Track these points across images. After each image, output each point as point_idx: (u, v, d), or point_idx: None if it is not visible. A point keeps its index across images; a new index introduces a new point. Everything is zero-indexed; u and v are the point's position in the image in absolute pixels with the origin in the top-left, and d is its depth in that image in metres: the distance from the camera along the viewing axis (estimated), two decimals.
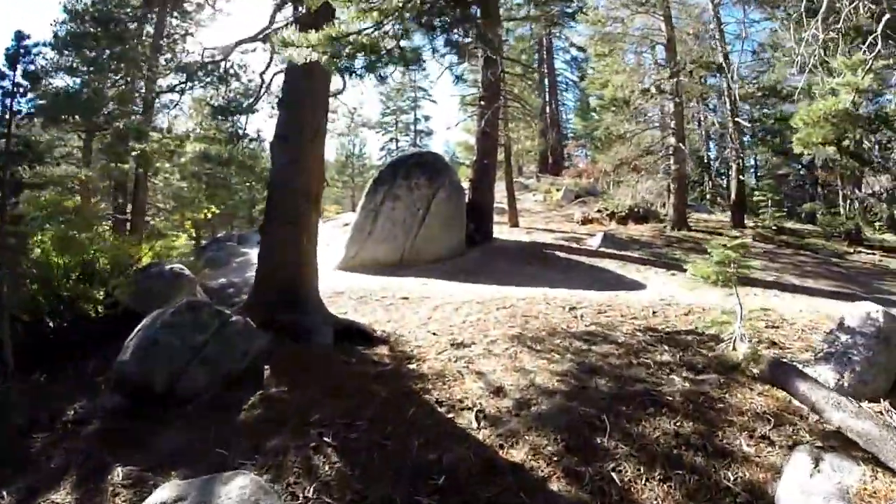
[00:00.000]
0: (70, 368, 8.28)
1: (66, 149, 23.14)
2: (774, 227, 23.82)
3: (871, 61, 9.56)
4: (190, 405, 6.53)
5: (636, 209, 23.97)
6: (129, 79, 21.73)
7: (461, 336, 8.59)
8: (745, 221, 24.38)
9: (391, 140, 53.01)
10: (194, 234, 29.39)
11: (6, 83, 8.96)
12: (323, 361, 7.60)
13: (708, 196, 32.88)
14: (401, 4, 6.38)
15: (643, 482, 4.77)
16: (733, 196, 24.56)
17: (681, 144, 22.87)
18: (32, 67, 9.54)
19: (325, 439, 5.53)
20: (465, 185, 19.95)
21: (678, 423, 5.67)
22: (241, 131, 16.32)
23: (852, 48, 10.09)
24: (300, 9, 9.40)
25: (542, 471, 4.99)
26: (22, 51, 8.88)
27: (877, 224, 25.16)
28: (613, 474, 4.86)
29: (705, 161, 33.88)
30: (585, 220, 23.77)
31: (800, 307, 11.34)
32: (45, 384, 7.85)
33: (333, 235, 21.50)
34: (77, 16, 20.87)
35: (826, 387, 6.18)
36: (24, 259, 9.06)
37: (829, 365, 6.70)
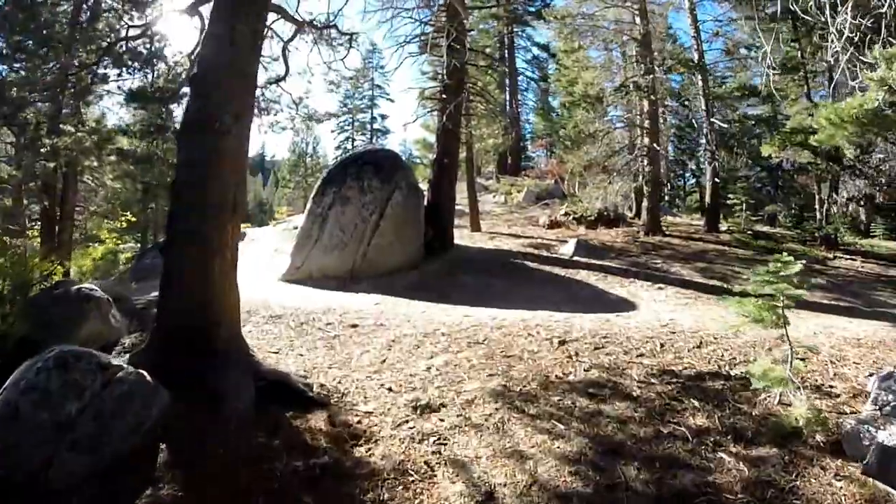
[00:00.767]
0: None
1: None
2: (750, 232, 22.27)
3: None
4: (73, 498, 4.40)
5: (606, 212, 22.13)
6: (56, 64, 18.88)
7: (426, 393, 6.44)
8: (719, 225, 23.01)
9: (347, 139, 51.19)
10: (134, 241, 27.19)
11: None
12: (233, 443, 5.20)
13: (668, 198, 31.46)
14: None
15: None
16: (707, 199, 23.11)
17: (655, 145, 21.23)
18: None
19: None
20: (424, 186, 18.12)
21: None
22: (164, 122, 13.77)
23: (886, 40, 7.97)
24: None
25: None
26: None
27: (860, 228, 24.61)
28: None
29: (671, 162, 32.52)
30: (552, 224, 21.77)
31: (811, 328, 10.00)
32: None
33: (283, 240, 19.75)
34: None
35: None
36: None
37: None
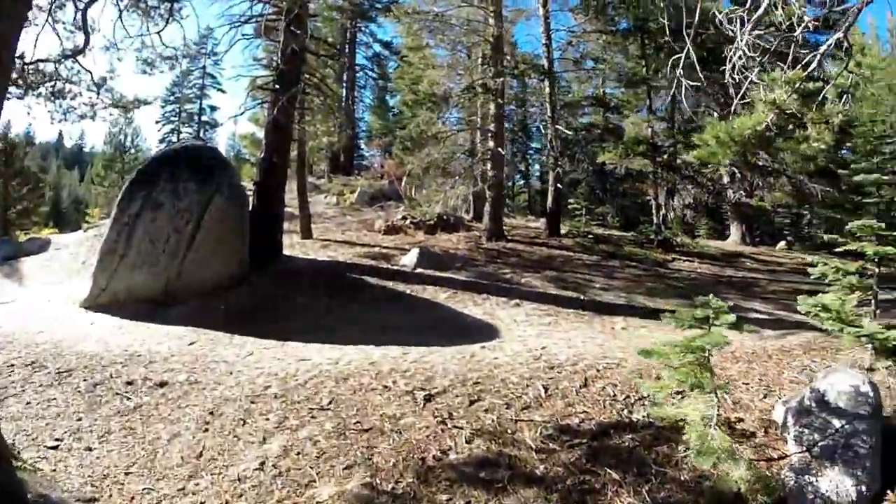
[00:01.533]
0: None
1: None
2: (591, 237, 22.01)
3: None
4: None
5: (445, 217, 20.84)
6: None
7: None
8: (560, 230, 22.60)
9: (173, 131, 46.43)
10: None
11: None
12: None
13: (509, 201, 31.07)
14: None
15: None
16: (549, 204, 22.49)
17: (500, 149, 20.25)
18: None
19: None
20: (250, 187, 16.07)
21: None
22: None
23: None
24: None
25: None
26: None
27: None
28: None
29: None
30: (389, 230, 20.04)
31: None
32: None
33: (94, 250, 16.07)
34: None
35: None
36: None
37: (837, 466, 5.00)
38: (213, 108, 46.66)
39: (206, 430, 6.01)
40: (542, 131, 26.80)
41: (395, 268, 15.17)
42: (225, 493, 4.85)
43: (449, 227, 20.57)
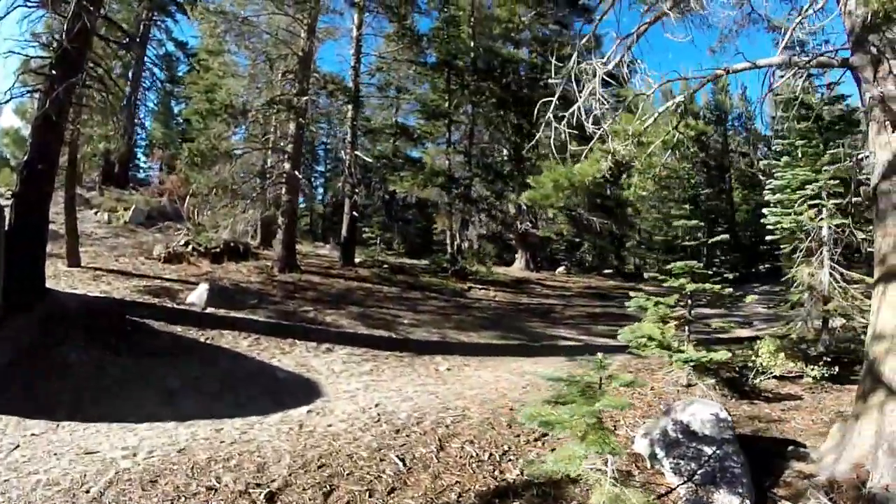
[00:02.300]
0: None
1: None
2: (387, 266, 21.48)
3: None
4: None
5: (233, 244, 18.86)
6: None
7: None
8: (355, 258, 21.97)
9: None
10: None
11: None
12: None
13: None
14: None
15: None
16: (344, 233, 21.61)
17: (297, 172, 18.91)
18: None
19: None
20: (3, 201, 13.03)
21: None
22: None
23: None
24: None
25: None
26: None
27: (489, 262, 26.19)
28: None
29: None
30: (171, 257, 17.37)
31: (515, 379, 10.24)
32: None
33: None
34: None
35: None
36: None
37: (722, 489, 5.51)
38: None
39: None
40: (334, 155, 25.85)
41: (183, 307, 13.00)
42: None
43: (237, 255, 18.64)
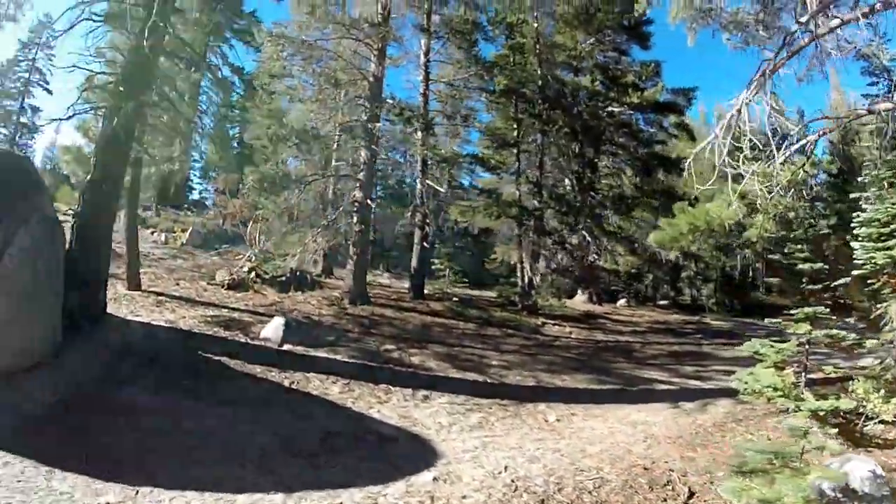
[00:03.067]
0: None
1: None
2: (456, 299, 20.03)
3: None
4: None
5: (298, 272, 17.31)
6: None
7: None
8: (425, 291, 20.40)
9: None
10: None
11: None
12: None
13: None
14: None
15: None
16: (414, 264, 20.04)
17: (369, 200, 17.52)
18: None
19: None
20: (65, 216, 11.98)
21: None
22: None
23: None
24: None
25: None
26: None
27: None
28: None
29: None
30: (235, 284, 15.93)
31: (639, 436, 8.79)
32: None
33: None
34: None
35: None
36: None
37: None
38: (35, 109, 37.88)
39: None
40: (392, 182, 24.30)
41: (258, 343, 11.46)
42: None
43: (303, 284, 17.09)
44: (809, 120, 7.92)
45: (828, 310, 8.75)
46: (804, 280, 9.64)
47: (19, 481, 5.31)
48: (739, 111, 8.42)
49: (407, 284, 20.62)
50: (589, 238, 22.53)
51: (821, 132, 8.97)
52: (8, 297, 8.25)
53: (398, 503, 5.52)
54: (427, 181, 19.30)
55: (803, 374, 9.07)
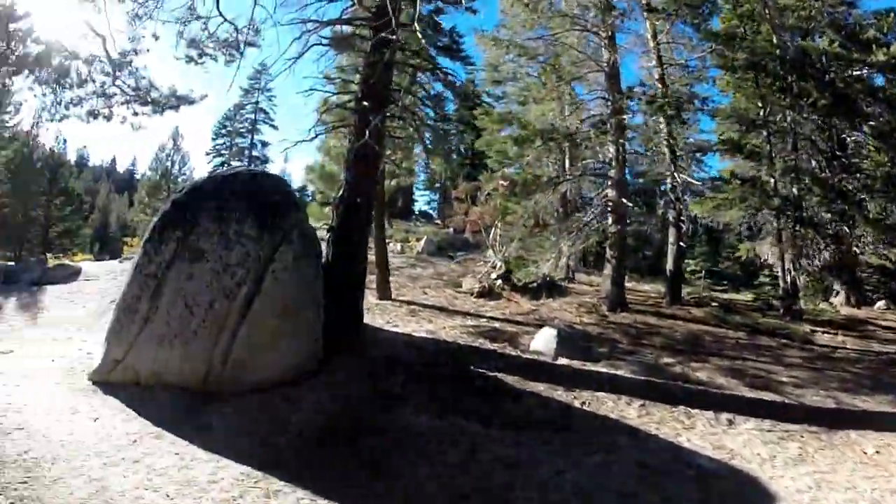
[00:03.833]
0: None
1: None
2: (717, 304, 17.47)
3: None
4: None
5: (548, 278, 15.95)
6: None
7: None
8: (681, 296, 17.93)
9: (223, 164, 42.27)
10: None
11: None
12: None
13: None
14: None
15: None
16: (670, 265, 17.73)
17: (623, 199, 15.63)
18: None
19: None
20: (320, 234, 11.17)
21: None
22: None
23: None
24: None
25: None
26: None
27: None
28: None
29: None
30: (484, 292, 15.08)
31: None
32: None
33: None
34: None
35: None
36: None
37: None
38: (264, 144, 42.49)
39: None
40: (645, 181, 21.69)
41: (530, 356, 10.28)
42: None
43: (555, 290, 15.74)
44: None
45: None
46: None
47: None
48: None
49: (647, 287, 18.56)
50: (846, 228, 18.83)
51: None
52: (273, 312, 8.05)
53: None
54: (679, 174, 17.10)
55: None
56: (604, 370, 9.65)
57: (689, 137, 18.21)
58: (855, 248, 19.55)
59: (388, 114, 11.14)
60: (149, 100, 11.26)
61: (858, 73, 19.68)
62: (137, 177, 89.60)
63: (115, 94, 11.13)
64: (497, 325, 12.21)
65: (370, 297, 13.28)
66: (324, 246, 10.15)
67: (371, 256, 14.04)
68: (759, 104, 19.02)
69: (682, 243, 17.43)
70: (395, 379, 8.47)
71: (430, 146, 15.99)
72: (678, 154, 17.10)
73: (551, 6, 15.98)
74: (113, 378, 7.87)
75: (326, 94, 12.99)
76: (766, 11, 19.32)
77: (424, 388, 8.17)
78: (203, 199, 8.45)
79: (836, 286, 22.56)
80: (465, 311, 13.11)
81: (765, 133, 19.09)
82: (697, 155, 20.20)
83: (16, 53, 10.10)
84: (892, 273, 25.25)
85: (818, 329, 16.19)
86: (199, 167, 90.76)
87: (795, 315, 17.14)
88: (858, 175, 19.85)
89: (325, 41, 11.58)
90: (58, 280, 16.96)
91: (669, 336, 12.88)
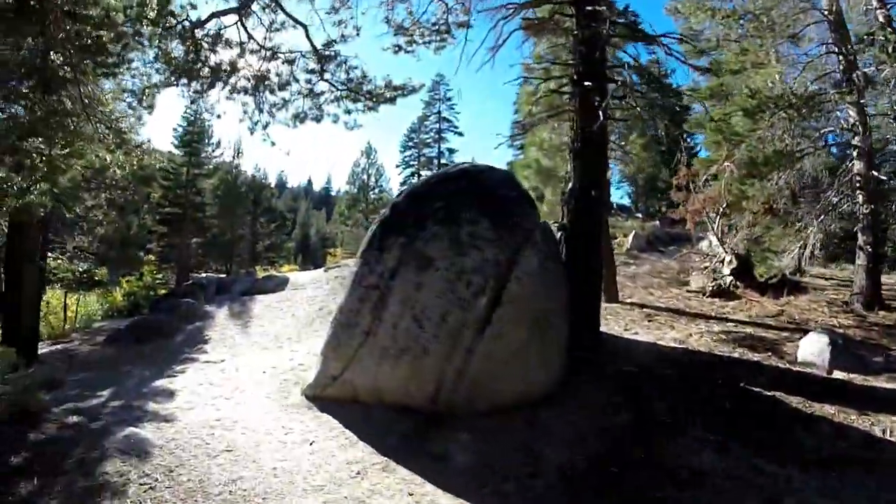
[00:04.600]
0: None
1: None
2: None
3: None
4: None
5: (785, 273, 13.51)
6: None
7: None
8: None
9: (413, 174, 43.21)
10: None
11: None
12: None
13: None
14: None
15: None
16: None
17: (874, 171, 12.70)
18: None
19: None
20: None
21: None
22: None
23: None
24: None
25: None
26: None
27: None
28: None
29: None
30: (719, 291, 13.03)
31: None
32: None
33: (335, 294, 13.49)
34: None
35: None
36: None
37: None
38: (451, 151, 42.88)
39: None
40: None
41: (800, 369, 8.36)
42: None
43: (796, 287, 13.37)
44: None
45: None
46: None
47: None
48: None
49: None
50: None
51: None
52: (518, 324, 6.85)
53: None
54: None
55: None
56: (889, 386, 7.58)
57: None
58: None
59: (625, 91, 9.65)
60: (362, 94, 10.31)
61: None
62: (332, 194, 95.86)
63: (324, 92, 10.26)
64: (748, 329, 10.25)
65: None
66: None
67: None
68: None
69: None
70: (655, 400, 6.99)
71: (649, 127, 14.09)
72: None
73: None
74: (328, 394, 7.30)
75: (535, 82, 11.66)
76: None
77: (695, 412, 6.60)
78: (427, 201, 7.46)
79: None
80: (706, 314, 11.22)
81: None
82: None
83: (207, 64, 9.53)
84: None
85: None
86: (390, 173, 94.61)
87: None
88: None
89: (523, 26, 10.50)
90: (266, 290, 17.39)
91: None
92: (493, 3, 9.92)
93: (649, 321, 10.59)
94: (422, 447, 5.96)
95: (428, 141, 43.24)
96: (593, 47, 9.42)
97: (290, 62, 9.94)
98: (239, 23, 9.35)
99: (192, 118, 32.14)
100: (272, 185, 53.06)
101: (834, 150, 15.29)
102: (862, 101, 12.64)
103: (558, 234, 9.07)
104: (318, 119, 10.40)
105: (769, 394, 7.19)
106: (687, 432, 6.17)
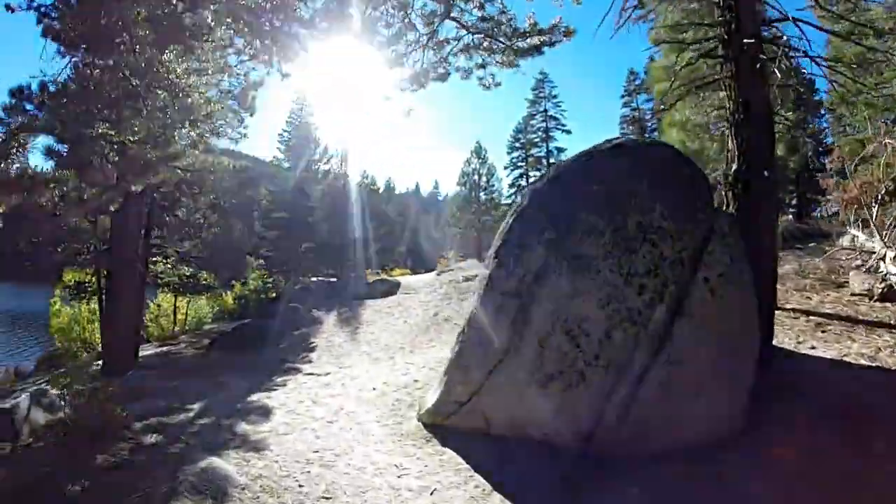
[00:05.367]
0: None
1: None
2: None
3: None
4: None
5: None
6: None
7: None
8: None
9: (521, 175, 41.73)
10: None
11: None
12: None
13: None
14: None
15: None
16: None
17: None
18: None
19: None
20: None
21: None
22: None
23: None
24: None
25: None
26: None
27: None
28: None
29: None
30: (889, 295, 10.82)
31: None
32: None
33: (448, 299, 13.80)
34: None
35: None
36: None
37: None
38: (559, 150, 41.04)
39: None
40: None
41: None
42: None
43: None
44: None
45: None
46: None
47: None
48: None
49: None
50: None
51: None
52: (705, 342, 5.24)
53: None
54: None
55: None
56: None
57: None
58: None
59: (779, 56, 7.65)
60: (502, 41, 8.13)
61: None
62: (440, 198, 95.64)
63: (448, 41, 8.22)
64: None
65: None
66: None
67: None
68: None
69: None
70: (874, 438, 5.15)
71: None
72: None
73: None
74: (452, 423, 6.02)
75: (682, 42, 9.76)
76: None
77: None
78: (578, 186, 5.90)
79: None
80: (885, 323, 9.05)
81: None
82: None
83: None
84: None
85: None
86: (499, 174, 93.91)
87: None
88: None
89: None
90: (377, 294, 16.85)
91: None
92: None
93: (822, 332, 8.56)
94: (575, 488, 4.56)
95: (535, 140, 41.44)
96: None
97: (404, 6, 7.98)
98: None
99: (297, 122, 32.13)
100: (380, 190, 53.03)
101: None
102: None
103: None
104: (443, 78, 8.50)
105: None
106: None
